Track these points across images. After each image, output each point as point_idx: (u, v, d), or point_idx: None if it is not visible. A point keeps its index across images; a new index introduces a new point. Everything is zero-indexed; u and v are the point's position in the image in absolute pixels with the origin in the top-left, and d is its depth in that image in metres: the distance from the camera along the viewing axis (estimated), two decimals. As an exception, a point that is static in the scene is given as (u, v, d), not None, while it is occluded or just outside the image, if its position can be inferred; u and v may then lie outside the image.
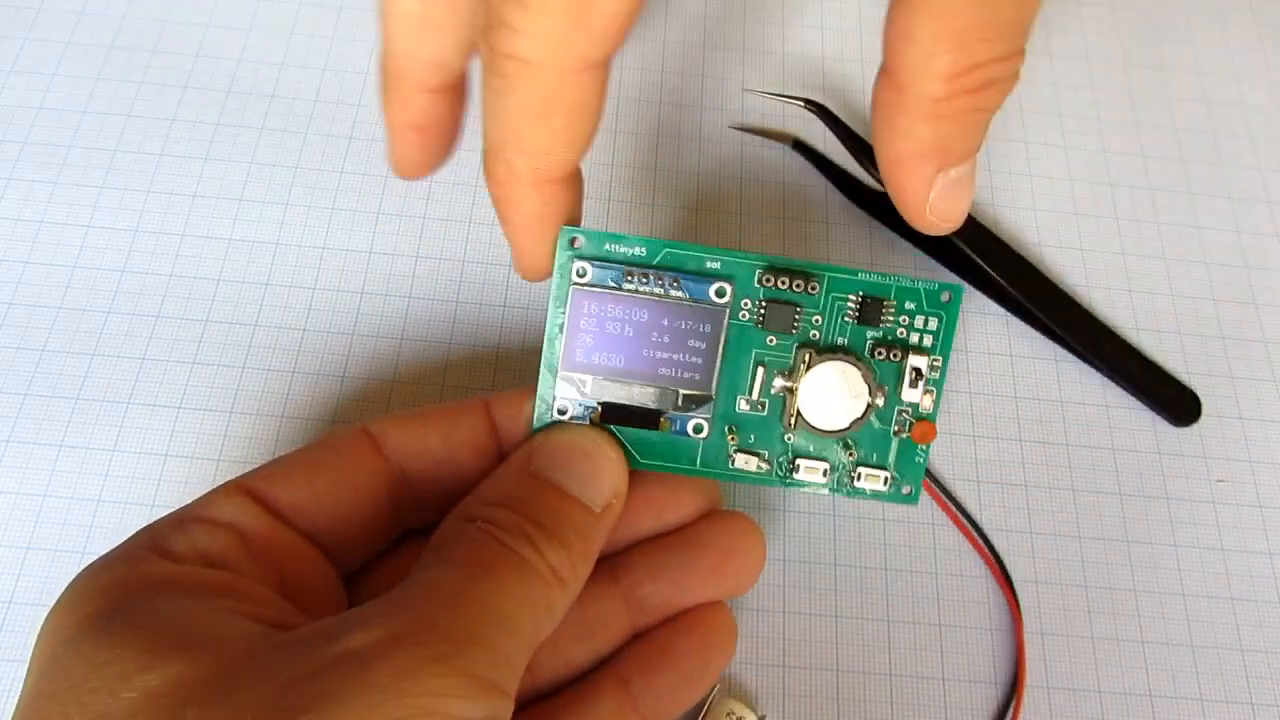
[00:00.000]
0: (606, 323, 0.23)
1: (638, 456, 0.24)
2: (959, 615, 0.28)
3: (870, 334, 0.24)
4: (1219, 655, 0.28)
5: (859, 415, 0.23)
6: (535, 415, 0.24)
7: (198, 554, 0.21)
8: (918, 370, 0.24)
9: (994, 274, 0.31)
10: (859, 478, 0.24)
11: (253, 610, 0.20)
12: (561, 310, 0.23)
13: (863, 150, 0.33)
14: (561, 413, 0.24)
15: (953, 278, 0.33)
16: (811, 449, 0.24)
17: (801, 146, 0.34)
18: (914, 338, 0.24)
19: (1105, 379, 0.32)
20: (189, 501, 0.22)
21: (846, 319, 0.24)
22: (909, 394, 0.24)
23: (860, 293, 0.23)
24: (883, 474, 0.24)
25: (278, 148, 0.33)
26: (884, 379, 0.24)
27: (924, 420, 0.24)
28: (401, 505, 0.24)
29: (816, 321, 0.23)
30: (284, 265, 0.32)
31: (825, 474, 0.24)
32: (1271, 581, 0.29)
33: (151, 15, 0.36)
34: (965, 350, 0.32)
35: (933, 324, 0.24)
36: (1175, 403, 0.31)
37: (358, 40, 0.36)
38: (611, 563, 0.25)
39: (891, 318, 0.24)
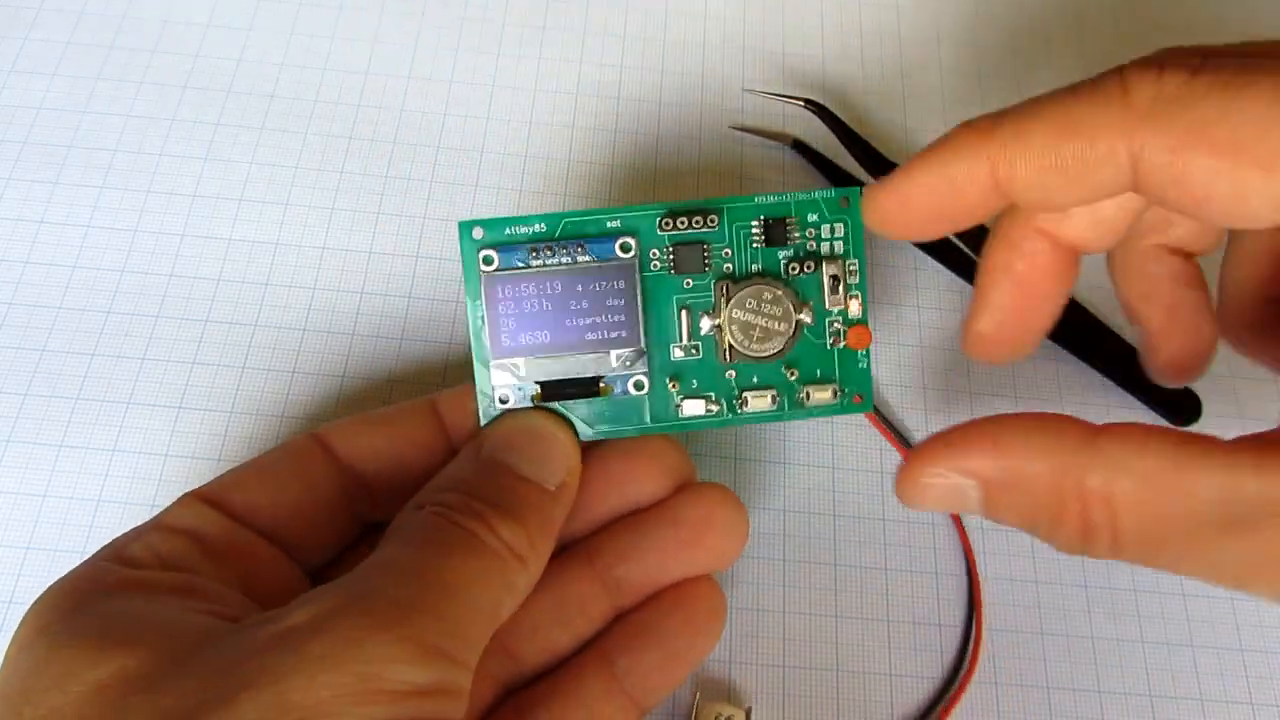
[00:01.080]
0: (524, 302, 0.23)
1: (588, 427, 0.24)
2: (959, 615, 0.28)
3: (781, 253, 0.24)
4: (1219, 655, 0.28)
5: (790, 334, 0.24)
6: (480, 411, 0.24)
7: (155, 558, 0.21)
8: (835, 277, 0.24)
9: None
10: (808, 397, 0.24)
11: (209, 607, 0.20)
12: (478, 302, 0.23)
13: (862, 150, 0.33)
14: (503, 402, 0.24)
15: (960, 276, 0.33)
16: (755, 380, 0.24)
17: (801, 146, 0.34)
18: (824, 247, 0.24)
19: (1105, 379, 0.32)
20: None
21: (754, 245, 0.24)
22: (833, 301, 0.24)
23: (761, 216, 0.24)
24: (830, 387, 0.24)
25: (278, 148, 0.33)
26: (808, 294, 0.24)
27: (857, 324, 0.24)
28: (357, 502, 0.25)
29: (726, 254, 0.24)
30: (284, 265, 0.32)
31: (774, 400, 0.24)
32: (1271, 581, 0.29)
33: (151, 15, 0.36)
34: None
35: (839, 230, 0.24)
36: (1175, 403, 0.31)
37: (358, 40, 0.36)
38: (587, 545, 0.25)
39: (798, 234, 0.24)
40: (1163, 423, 0.31)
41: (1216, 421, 0.31)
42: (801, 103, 0.34)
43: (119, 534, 0.22)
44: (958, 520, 0.29)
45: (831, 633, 0.28)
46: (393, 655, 0.18)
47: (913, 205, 0.22)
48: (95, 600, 0.20)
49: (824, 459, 0.30)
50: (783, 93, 0.35)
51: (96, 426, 0.29)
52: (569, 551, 0.25)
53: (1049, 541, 0.21)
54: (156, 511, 0.23)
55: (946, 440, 0.21)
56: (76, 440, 0.28)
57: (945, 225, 0.22)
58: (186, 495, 0.23)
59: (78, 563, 0.21)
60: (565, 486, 0.23)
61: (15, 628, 0.20)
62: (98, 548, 0.22)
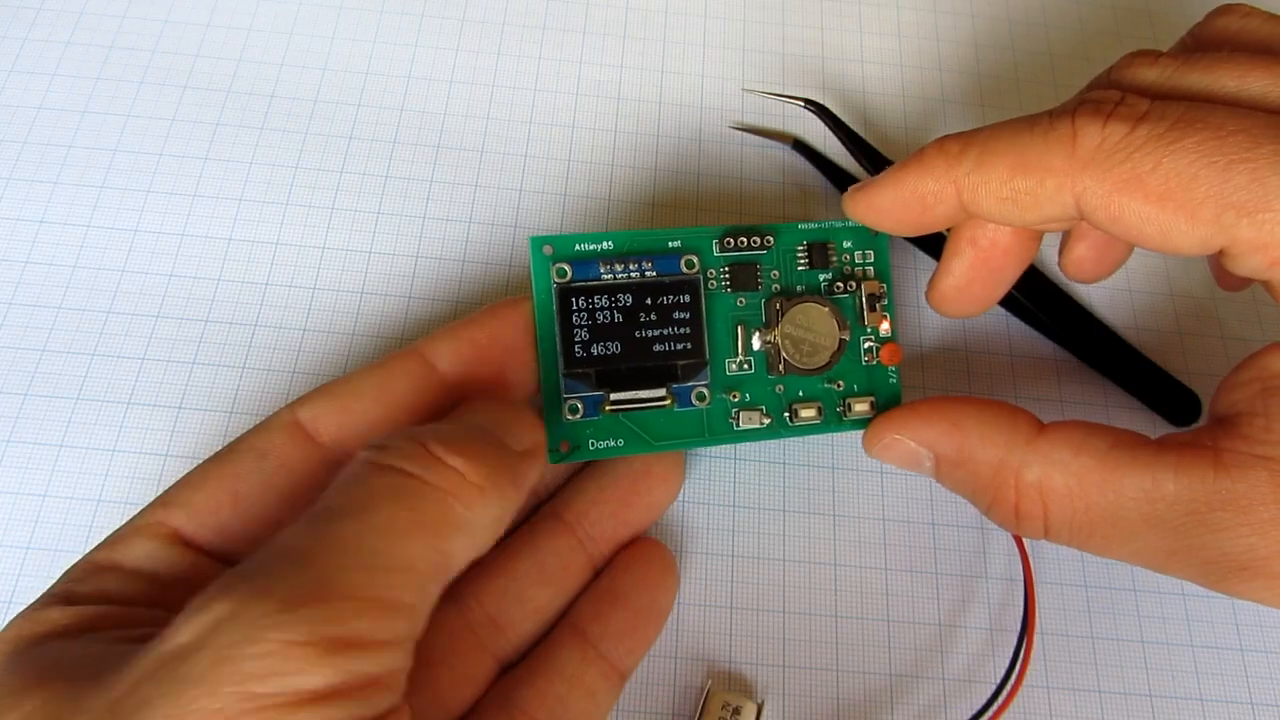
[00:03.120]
0: (597, 314, 0.24)
1: (651, 440, 0.25)
2: (959, 615, 0.28)
3: (823, 275, 0.26)
4: (1219, 655, 0.28)
5: (835, 349, 0.26)
6: (545, 416, 0.24)
7: (104, 599, 0.20)
8: (872, 296, 0.27)
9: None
10: (848, 409, 0.26)
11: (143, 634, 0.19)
12: (552, 312, 0.24)
13: (862, 150, 0.33)
14: (574, 413, 0.24)
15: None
16: (802, 393, 0.26)
17: (801, 146, 0.34)
18: (859, 271, 0.27)
19: (1105, 379, 0.32)
20: (112, 533, 0.22)
21: (800, 267, 0.26)
22: (870, 320, 0.27)
23: (805, 241, 0.26)
24: (867, 399, 0.27)
25: (278, 148, 0.33)
26: (847, 313, 0.26)
27: (888, 343, 0.27)
28: None
29: (775, 275, 0.26)
30: (284, 265, 0.32)
31: (819, 412, 0.26)
32: (1271, 581, 0.29)
33: (151, 15, 0.36)
34: (965, 349, 0.32)
35: (870, 256, 0.27)
36: (1175, 403, 0.31)
37: (358, 40, 0.36)
38: (553, 504, 0.26)
39: (836, 258, 0.27)
40: (1164, 422, 0.31)
41: (1216, 421, 0.31)
42: (801, 103, 0.34)
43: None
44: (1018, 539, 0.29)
45: (831, 633, 0.28)
46: (273, 666, 0.16)
47: (886, 213, 0.24)
48: (28, 647, 0.19)
49: (824, 459, 0.30)
50: (783, 93, 0.35)
51: (96, 426, 0.29)
52: (539, 514, 0.26)
53: (987, 516, 0.24)
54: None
55: (914, 410, 0.24)
56: (76, 440, 0.28)
57: (918, 229, 0.24)
58: (147, 522, 0.22)
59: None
60: (530, 454, 0.22)
61: None
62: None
